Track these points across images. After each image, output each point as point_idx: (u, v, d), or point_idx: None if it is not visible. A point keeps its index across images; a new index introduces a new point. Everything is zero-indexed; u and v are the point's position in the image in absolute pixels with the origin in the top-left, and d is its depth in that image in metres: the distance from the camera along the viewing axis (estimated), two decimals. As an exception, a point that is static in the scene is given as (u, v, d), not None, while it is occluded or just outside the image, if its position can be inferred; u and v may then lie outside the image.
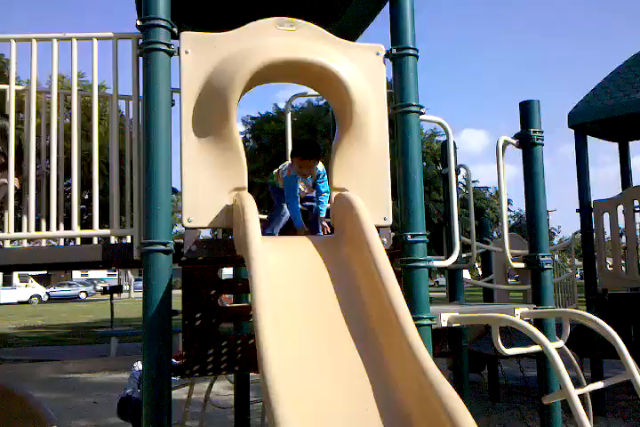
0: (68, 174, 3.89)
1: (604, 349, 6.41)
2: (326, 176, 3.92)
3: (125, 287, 39.04)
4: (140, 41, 3.34)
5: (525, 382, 5.56)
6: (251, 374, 5.02)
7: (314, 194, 4.22)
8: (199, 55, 3.33)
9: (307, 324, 2.73)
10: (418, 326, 2.88)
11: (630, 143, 8.77)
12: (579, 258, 8.07)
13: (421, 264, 3.38)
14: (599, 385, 3.55)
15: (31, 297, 40.04)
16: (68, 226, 3.69)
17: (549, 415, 3.95)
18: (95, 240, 3.69)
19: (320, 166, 4.00)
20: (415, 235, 3.39)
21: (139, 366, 4.96)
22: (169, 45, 3.29)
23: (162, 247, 3.20)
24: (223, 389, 7.04)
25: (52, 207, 3.64)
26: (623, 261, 7.22)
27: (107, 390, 8.88)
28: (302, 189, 4.15)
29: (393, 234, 3.50)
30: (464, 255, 5.55)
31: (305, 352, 2.58)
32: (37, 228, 3.71)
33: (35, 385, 8.59)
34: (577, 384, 3.35)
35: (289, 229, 4.17)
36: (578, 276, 9.17)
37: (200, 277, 3.83)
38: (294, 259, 3.04)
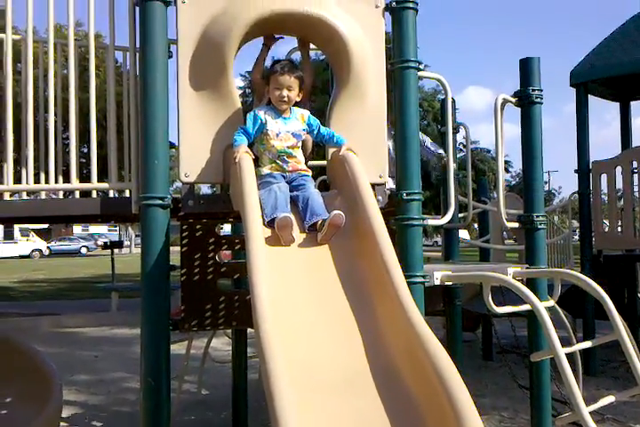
0: (66, 126, 3.90)
1: (597, 310, 6.49)
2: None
3: (126, 243, 39.32)
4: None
5: (516, 340, 5.66)
6: (248, 329, 5.10)
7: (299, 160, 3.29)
8: (196, 5, 3.28)
9: (301, 278, 2.78)
10: (410, 283, 2.92)
11: (632, 103, 8.68)
12: (576, 219, 8.10)
13: (415, 223, 3.40)
14: (587, 344, 3.62)
15: (32, 251, 40.39)
16: (67, 179, 3.71)
17: (538, 373, 4.04)
18: (94, 194, 3.71)
19: (306, 112, 3.38)
20: (410, 193, 3.40)
21: None
22: (166, -5, 3.24)
23: (159, 202, 3.23)
24: (222, 344, 7.16)
25: (51, 160, 3.65)
26: (619, 223, 7.24)
27: (107, 345, 9.04)
28: (276, 130, 3.25)
29: (388, 192, 3.52)
30: (461, 215, 5.57)
31: (298, 306, 2.63)
32: (36, 181, 3.72)
33: (36, 339, 8.72)
34: (567, 344, 3.41)
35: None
36: (575, 237, 9.21)
37: (198, 232, 3.87)
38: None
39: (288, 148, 3.26)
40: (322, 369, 2.34)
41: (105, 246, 21.06)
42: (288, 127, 3.28)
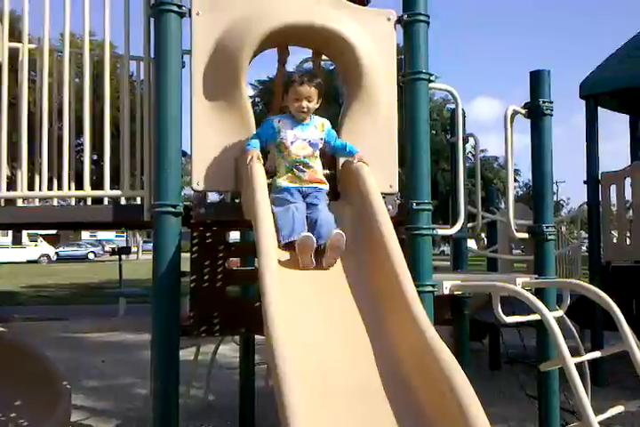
0: (78, 134, 3.94)
1: (605, 320, 6.47)
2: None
3: (133, 249, 39.39)
4: (152, 1, 3.33)
5: (525, 350, 5.66)
6: (256, 336, 5.12)
7: (317, 170, 3.23)
8: (210, 17, 3.34)
9: (312, 287, 2.80)
10: (420, 292, 2.93)
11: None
12: (585, 230, 8.11)
13: (425, 232, 3.42)
14: (596, 354, 3.61)
15: (40, 256, 40.54)
16: (79, 186, 3.75)
17: (546, 383, 4.04)
18: (106, 201, 3.75)
19: (327, 122, 3.36)
20: (420, 203, 3.43)
21: None
22: (180, 6, 3.29)
23: (171, 209, 3.26)
24: (229, 351, 7.16)
25: (64, 167, 3.70)
26: (628, 234, 7.24)
27: (115, 350, 9.06)
28: (291, 137, 3.21)
29: (398, 202, 3.54)
30: (469, 225, 5.58)
31: (309, 315, 2.65)
32: (49, 187, 3.77)
33: (44, 344, 8.70)
34: (576, 354, 3.41)
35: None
36: (584, 248, 9.20)
37: (208, 239, 3.90)
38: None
39: (304, 157, 3.21)
40: (331, 377, 2.35)
41: (113, 252, 21.21)
42: (305, 135, 3.23)
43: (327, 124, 3.34)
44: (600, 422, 3.01)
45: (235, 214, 3.38)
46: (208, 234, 3.90)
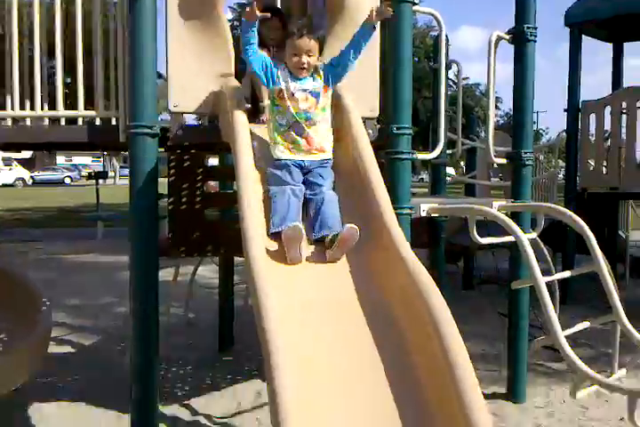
0: (50, 56, 3.82)
1: (577, 244, 6.62)
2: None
3: (111, 174, 39.07)
4: None
5: (498, 272, 5.82)
6: (235, 258, 5.19)
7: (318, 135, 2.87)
8: None
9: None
10: (398, 215, 2.96)
11: (625, 44, 8.58)
12: (563, 159, 8.15)
13: (404, 156, 3.43)
14: (566, 274, 3.74)
15: (15, 180, 40.11)
16: (52, 108, 3.67)
17: (517, 301, 4.17)
18: (80, 122, 3.69)
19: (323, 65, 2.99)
20: (400, 127, 3.41)
21: None
22: None
23: (148, 130, 3.21)
24: (209, 272, 7.26)
25: (37, 87, 3.61)
26: (605, 163, 7.31)
27: (94, 271, 9.15)
28: (291, 88, 2.86)
29: (379, 126, 3.52)
30: (449, 151, 5.60)
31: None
32: (21, 108, 3.68)
33: (22, 265, 8.78)
34: (547, 275, 3.51)
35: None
36: (561, 176, 9.29)
37: (186, 162, 3.88)
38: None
39: (306, 110, 2.85)
40: (311, 300, 2.39)
41: (89, 177, 21.06)
42: (305, 86, 2.89)
43: (323, 66, 2.98)
44: (566, 337, 3.14)
45: (212, 137, 3.35)
46: (186, 157, 3.87)
